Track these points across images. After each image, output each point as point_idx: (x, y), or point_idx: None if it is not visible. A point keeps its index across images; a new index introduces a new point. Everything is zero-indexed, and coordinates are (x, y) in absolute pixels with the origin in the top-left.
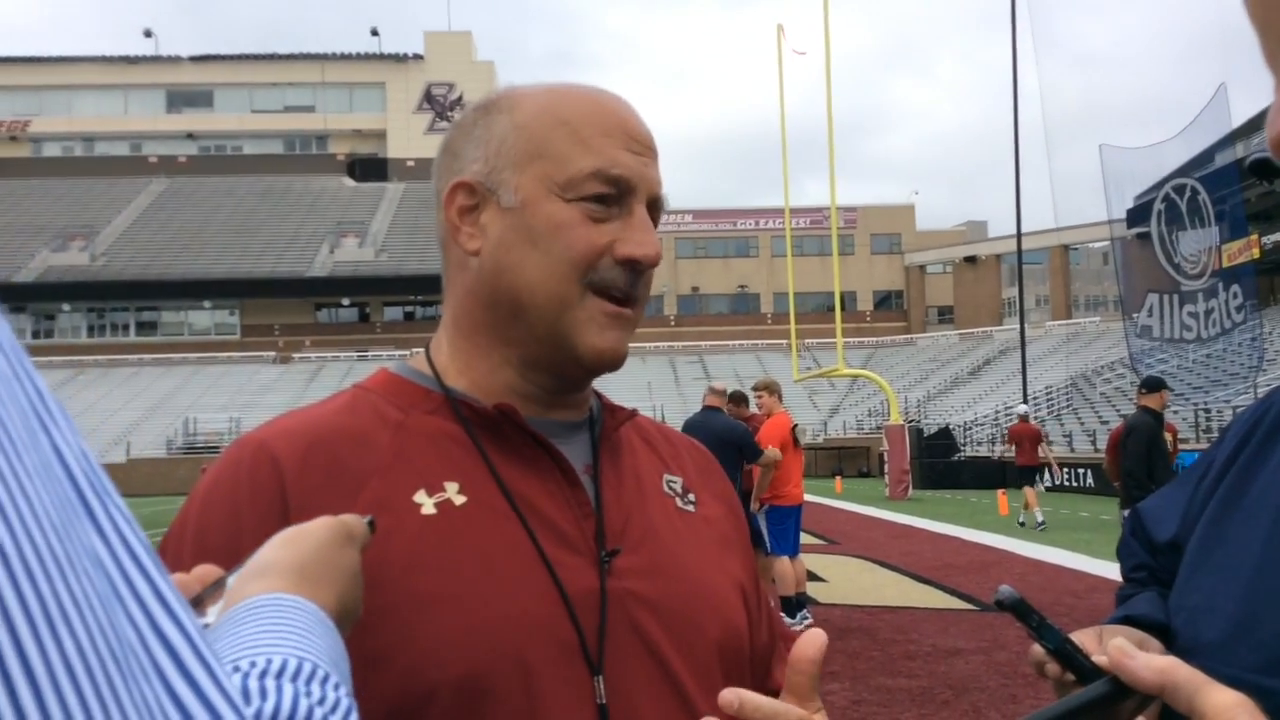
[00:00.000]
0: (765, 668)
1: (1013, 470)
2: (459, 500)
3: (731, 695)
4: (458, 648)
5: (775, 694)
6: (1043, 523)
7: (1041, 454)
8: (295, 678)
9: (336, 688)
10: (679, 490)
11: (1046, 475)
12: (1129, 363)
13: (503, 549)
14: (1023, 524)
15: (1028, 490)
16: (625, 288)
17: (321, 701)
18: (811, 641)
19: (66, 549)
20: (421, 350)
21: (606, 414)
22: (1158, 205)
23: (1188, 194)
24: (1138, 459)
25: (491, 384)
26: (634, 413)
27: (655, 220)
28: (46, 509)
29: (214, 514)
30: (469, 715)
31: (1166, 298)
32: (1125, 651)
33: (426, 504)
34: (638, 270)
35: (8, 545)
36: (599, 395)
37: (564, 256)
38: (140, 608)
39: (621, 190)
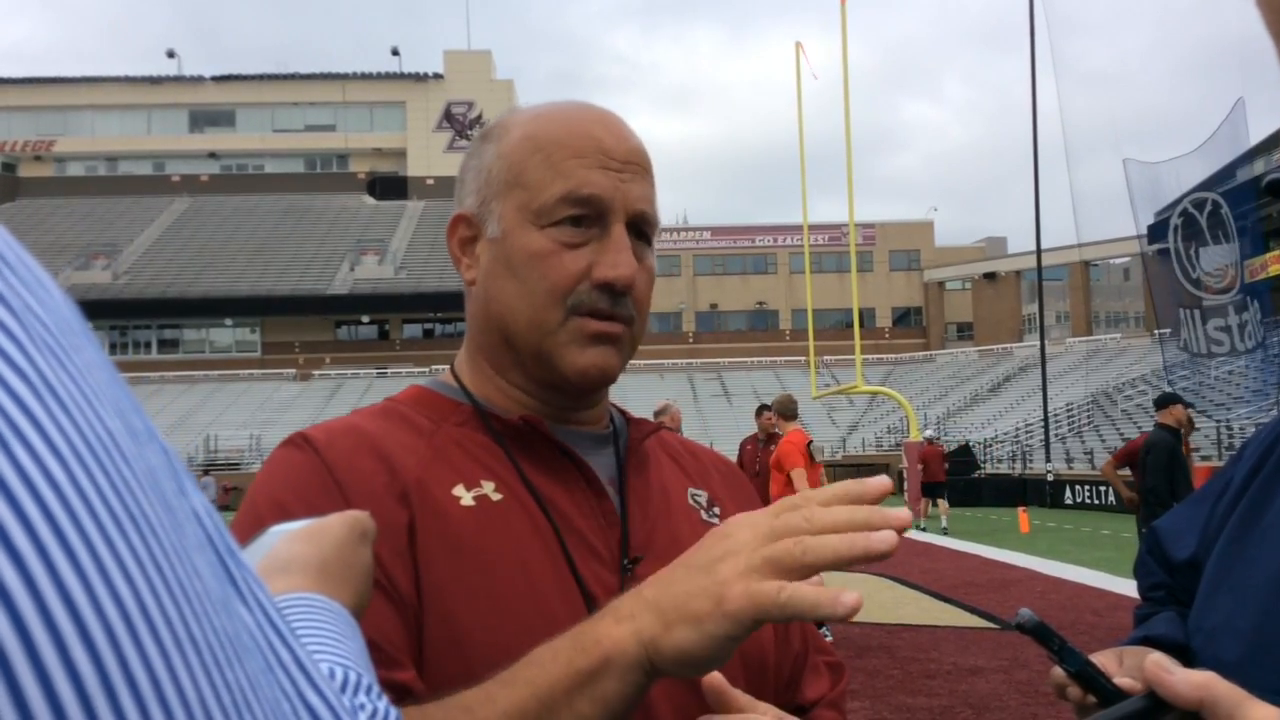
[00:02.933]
0: (794, 680)
1: (1032, 487)
2: (495, 496)
3: None
4: (488, 638)
5: (803, 708)
6: (925, 529)
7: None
8: (343, 689)
9: (380, 696)
10: (704, 503)
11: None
12: (1165, 376)
13: (535, 547)
14: (945, 530)
15: (932, 501)
16: (607, 310)
17: (373, 715)
18: (706, 687)
19: (232, 628)
20: (448, 367)
21: (632, 428)
22: (1174, 221)
23: (1208, 209)
24: (1159, 476)
25: (508, 401)
26: (659, 426)
27: (649, 237)
28: (210, 589)
29: (283, 494)
30: None
31: (1190, 313)
32: (1163, 666)
33: (465, 497)
34: (615, 292)
35: (196, 634)
36: (622, 411)
37: (540, 286)
38: (288, 679)
39: (596, 210)
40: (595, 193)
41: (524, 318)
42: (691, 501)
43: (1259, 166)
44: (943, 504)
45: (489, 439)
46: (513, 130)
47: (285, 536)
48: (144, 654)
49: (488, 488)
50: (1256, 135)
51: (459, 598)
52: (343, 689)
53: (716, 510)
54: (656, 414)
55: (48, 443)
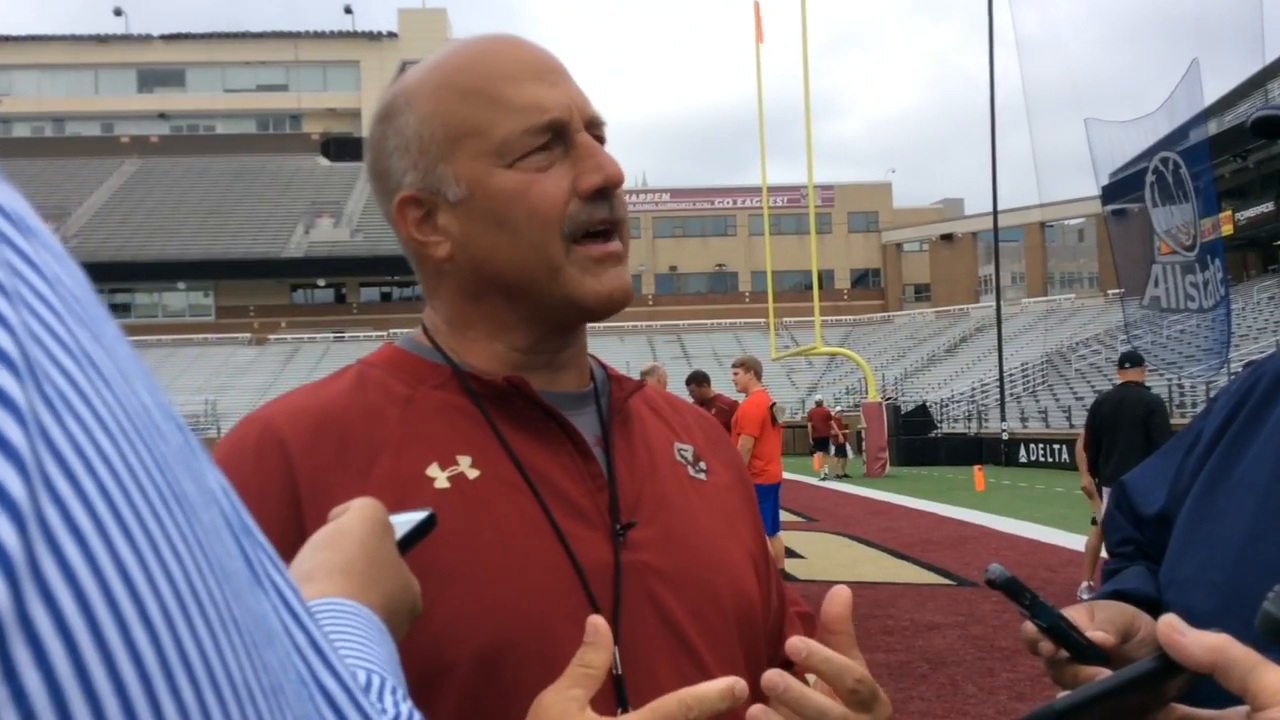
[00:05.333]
0: (777, 634)
1: (988, 446)
2: (472, 474)
3: (799, 644)
4: (475, 623)
5: (786, 662)
6: (826, 477)
7: (832, 430)
8: (366, 693)
9: (405, 699)
10: (690, 459)
11: (832, 447)
12: (1126, 334)
13: (517, 522)
14: (824, 478)
15: (819, 455)
16: (606, 217)
17: (396, 718)
18: (838, 598)
19: (260, 609)
20: (419, 328)
21: (614, 385)
22: (1149, 177)
23: (1172, 166)
24: (1167, 435)
25: (494, 365)
26: (642, 383)
27: (600, 138)
28: (241, 569)
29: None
30: (485, 690)
31: (1169, 268)
32: (1175, 628)
33: (440, 478)
34: (607, 195)
35: (237, 615)
36: (605, 366)
37: (532, 223)
38: (303, 662)
39: (557, 131)
40: (555, 116)
41: (525, 263)
42: (678, 457)
43: (1212, 128)
44: (825, 456)
45: (468, 402)
46: (419, 91)
47: (310, 544)
48: (196, 635)
49: (464, 464)
50: (1211, 96)
51: (429, 592)
52: (364, 692)
53: (703, 465)
54: (644, 374)
55: (96, 417)
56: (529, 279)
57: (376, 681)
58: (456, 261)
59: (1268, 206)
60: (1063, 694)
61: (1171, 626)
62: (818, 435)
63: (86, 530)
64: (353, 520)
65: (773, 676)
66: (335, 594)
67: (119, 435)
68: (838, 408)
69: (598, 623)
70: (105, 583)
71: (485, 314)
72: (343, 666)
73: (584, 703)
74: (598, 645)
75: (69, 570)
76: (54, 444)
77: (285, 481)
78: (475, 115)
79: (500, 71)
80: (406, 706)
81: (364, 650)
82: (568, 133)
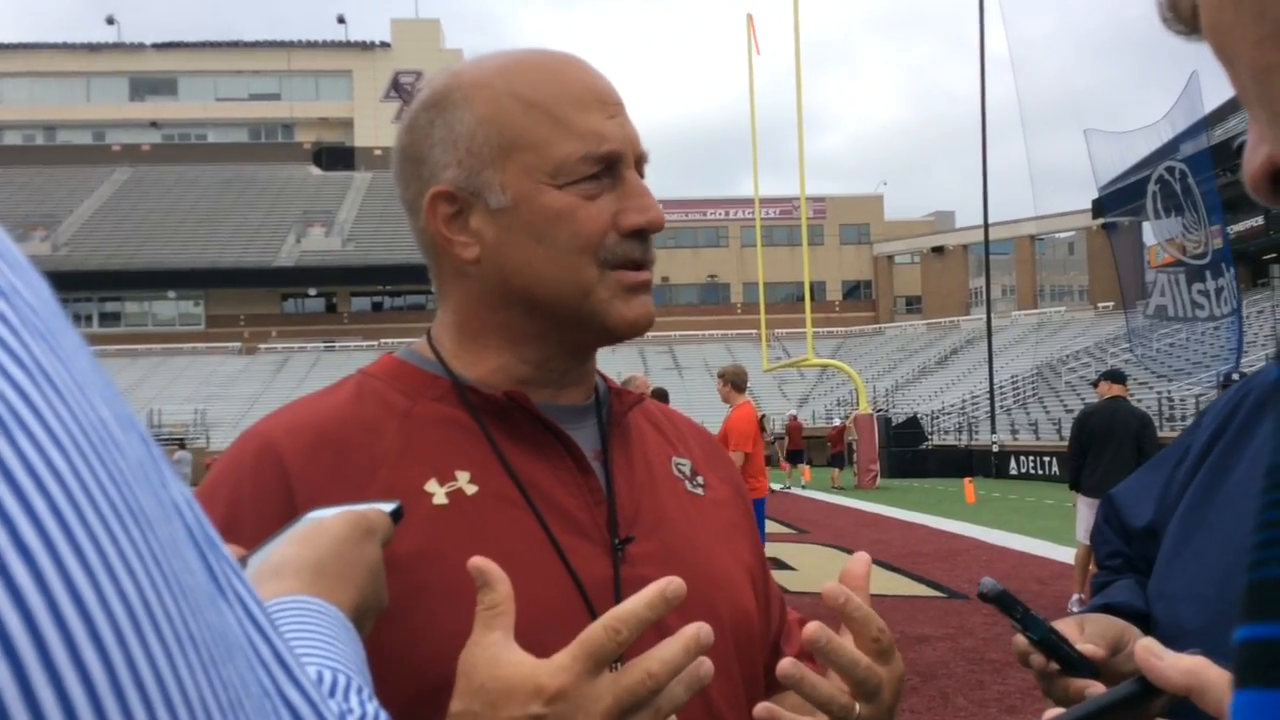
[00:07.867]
0: (775, 648)
1: (978, 458)
2: (470, 490)
3: (817, 634)
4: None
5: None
6: (802, 485)
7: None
8: (332, 693)
9: (370, 699)
10: (688, 473)
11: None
12: (1128, 343)
13: (516, 538)
14: (788, 488)
15: (801, 466)
16: (639, 257)
17: (363, 718)
18: (859, 563)
19: (220, 624)
20: (423, 339)
21: (614, 398)
22: (1151, 186)
23: (1178, 175)
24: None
25: (499, 378)
26: (641, 397)
27: (642, 174)
28: (201, 584)
29: (211, 516)
30: None
31: (1174, 277)
32: (1152, 651)
33: (438, 494)
34: (644, 237)
35: (194, 632)
36: (605, 378)
37: (572, 245)
38: (268, 675)
39: (610, 163)
40: (612, 148)
41: (557, 281)
42: (676, 471)
43: (1203, 141)
44: (804, 468)
45: (467, 415)
46: (480, 91)
47: (285, 539)
48: (149, 653)
49: (463, 479)
50: (1210, 107)
51: (427, 608)
52: (330, 692)
53: (700, 480)
54: (623, 384)
55: (49, 432)
56: (559, 297)
57: (343, 681)
58: (483, 266)
59: (1257, 220)
60: (1049, 714)
61: (1149, 650)
62: (793, 448)
63: (35, 549)
64: (334, 520)
65: (813, 629)
66: (302, 592)
67: (72, 450)
68: (834, 420)
69: (479, 562)
70: (53, 601)
71: (502, 324)
72: (307, 678)
73: (508, 641)
74: (490, 583)
75: (15, 590)
76: (2, 461)
77: (283, 498)
78: (535, 130)
79: (567, 92)
80: (373, 706)
81: (330, 650)
82: (619, 167)
